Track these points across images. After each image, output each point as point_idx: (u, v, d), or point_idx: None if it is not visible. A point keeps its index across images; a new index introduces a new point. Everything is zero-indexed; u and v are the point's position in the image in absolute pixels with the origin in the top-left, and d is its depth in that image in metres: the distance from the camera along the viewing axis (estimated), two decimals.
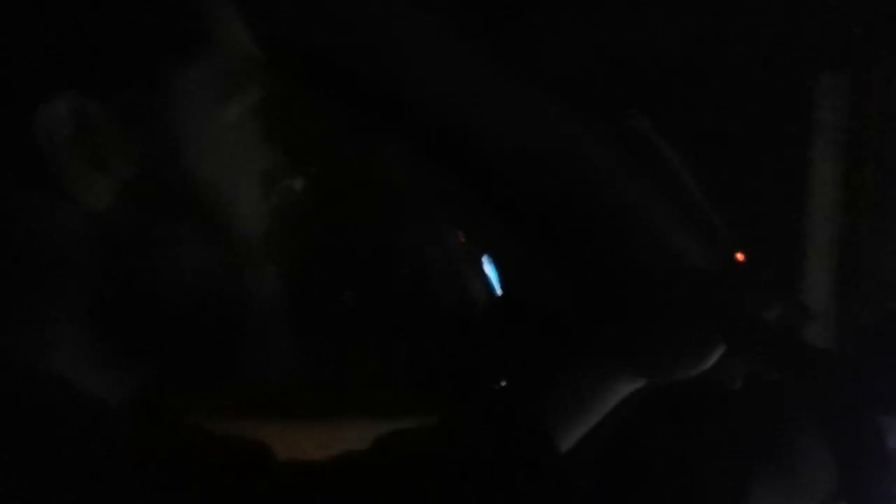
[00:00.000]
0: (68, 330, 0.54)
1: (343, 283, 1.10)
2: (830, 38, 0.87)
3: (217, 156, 0.57)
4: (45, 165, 0.51)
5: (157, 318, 0.56)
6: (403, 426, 0.78)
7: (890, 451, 0.82)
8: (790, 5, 0.87)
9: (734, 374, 0.87)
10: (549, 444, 0.77)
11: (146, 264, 0.55)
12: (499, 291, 1.12)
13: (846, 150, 1.10)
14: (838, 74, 0.98)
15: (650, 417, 0.97)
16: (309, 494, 0.72)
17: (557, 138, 1.02)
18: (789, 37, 0.89)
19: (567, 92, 0.98)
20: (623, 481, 1.00)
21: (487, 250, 1.14)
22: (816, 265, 1.16)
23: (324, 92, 0.93)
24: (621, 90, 1.00)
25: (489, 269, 1.13)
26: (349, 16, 0.87)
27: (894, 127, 1.04)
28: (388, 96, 0.93)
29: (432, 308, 1.13)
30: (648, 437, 1.02)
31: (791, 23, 0.88)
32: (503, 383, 0.97)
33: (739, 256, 1.13)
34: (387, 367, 1.13)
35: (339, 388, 1.09)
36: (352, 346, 1.12)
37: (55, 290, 0.54)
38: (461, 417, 0.82)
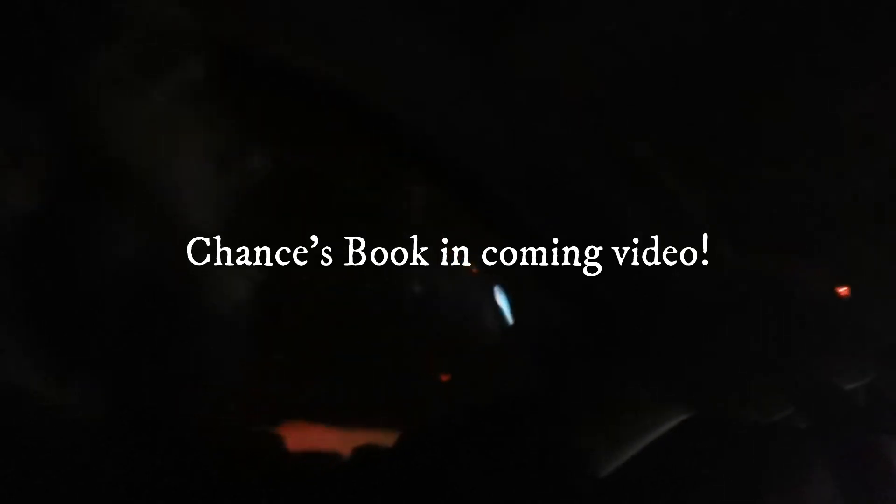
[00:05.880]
0: (14, 338, 0.50)
1: (345, 291, 1.10)
2: (832, 54, 0.87)
3: (153, 137, 0.53)
4: None
5: (108, 320, 0.52)
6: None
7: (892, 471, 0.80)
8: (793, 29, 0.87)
9: (771, 412, 0.85)
10: (586, 472, 0.75)
11: (85, 262, 0.51)
12: (510, 321, 1.12)
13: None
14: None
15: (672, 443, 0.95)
16: (323, 488, 0.67)
17: (563, 166, 1.02)
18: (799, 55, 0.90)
19: (572, 119, 0.98)
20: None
21: (499, 281, 1.15)
22: None
23: (291, 83, 0.84)
24: (625, 116, 1.01)
25: (501, 299, 1.14)
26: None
27: None
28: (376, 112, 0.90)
29: (442, 336, 1.13)
30: (665, 462, 1.00)
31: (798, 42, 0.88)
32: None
33: (843, 291, 1.02)
34: (398, 394, 1.13)
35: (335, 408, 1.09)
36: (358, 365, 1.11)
37: None
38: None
